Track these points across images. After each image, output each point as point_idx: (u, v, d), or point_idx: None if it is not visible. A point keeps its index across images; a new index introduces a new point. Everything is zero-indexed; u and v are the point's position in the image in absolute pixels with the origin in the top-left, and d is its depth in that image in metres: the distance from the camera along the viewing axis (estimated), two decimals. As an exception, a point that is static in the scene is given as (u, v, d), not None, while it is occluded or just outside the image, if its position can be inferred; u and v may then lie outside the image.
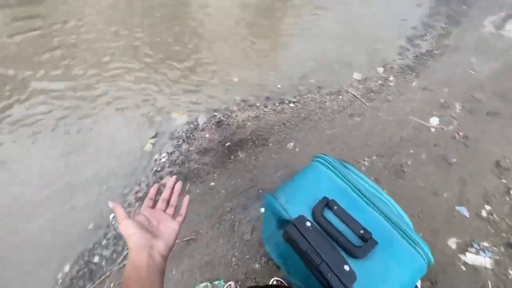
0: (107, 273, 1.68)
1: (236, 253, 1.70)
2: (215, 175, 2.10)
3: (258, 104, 2.58)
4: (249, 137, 2.32)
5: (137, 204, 2.01)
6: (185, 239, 1.76)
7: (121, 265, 1.71)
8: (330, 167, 0.92)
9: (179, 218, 0.63)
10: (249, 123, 2.42)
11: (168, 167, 2.20)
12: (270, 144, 2.23)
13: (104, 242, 1.83)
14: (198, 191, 2.02)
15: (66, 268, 1.76)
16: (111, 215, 1.97)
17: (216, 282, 1.57)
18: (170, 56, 3.07)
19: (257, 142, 2.28)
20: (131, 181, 2.12)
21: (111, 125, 2.45)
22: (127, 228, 0.53)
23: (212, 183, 2.05)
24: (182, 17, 3.65)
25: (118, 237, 1.85)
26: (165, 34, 3.37)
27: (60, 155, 2.25)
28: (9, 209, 1.97)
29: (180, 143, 2.35)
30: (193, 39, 3.29)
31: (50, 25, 3.46)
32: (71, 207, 2.00)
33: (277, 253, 1.17)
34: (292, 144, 2.22)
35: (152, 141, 2.36)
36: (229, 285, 1.54)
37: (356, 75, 2.79)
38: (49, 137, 2.36)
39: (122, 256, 1.75)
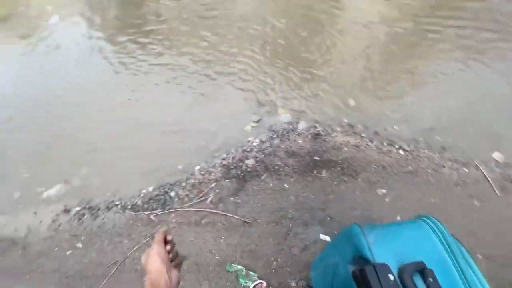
0: (175, 209, 1.96)
1: (279, 260, 1.69)
2: (292, 179, 2.12)
3: (363, 135, 2.44)
4: (340, 162, 2.23)
5: (219, 168, 2.23)
6: (243, 219, 1.87)
7: (187, 209, 1.95)
8: (440, 235, 0.80)
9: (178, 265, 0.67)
10: (346, 149, 2.32)
11: (256, 152, 2.35)
12: (359, 180, 2.08)
13: (183, 184, 2.13)
14: (271, 185, 2.09)
15: (150, 189, 2.14)
16: (197, 167, 2.26)
17: (251, 273, 1.61)
18: (296, 58, 3.22)
19: (345, 170, 2.17)
20: (223, 148, 2.37)
21: (228, 98, 2.79)
22: (160, 250, 0.59)
23: (286, 185, 2.08)
24: (320, 25, 3.75)
25: (194, 186, 2.11)
26: (300, 37, 3.55)
27: (185, 104, 2.73)
28: (138, 129, 2.53)
29: (274, 136, 2.47)
30: (323, 50, 3.35)
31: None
32: (175, 143, 2.40)
33: (327, 284, 1.11)
34: (384, 191, 2.01)
35: (253, 124, 2.56)
36: (261, 282, 1.55)
37: (497, 155, 2.27)
38: (180, 91, 2.89)
39: (190, 203, 1.99)
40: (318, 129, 2.48)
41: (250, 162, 2.27)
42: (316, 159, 2.24)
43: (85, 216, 1.97)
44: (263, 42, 3.47)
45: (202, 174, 2.21)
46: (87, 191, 2.11)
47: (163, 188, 2.11)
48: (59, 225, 1.94)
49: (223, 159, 2.31)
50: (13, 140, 2.52)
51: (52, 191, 2.13)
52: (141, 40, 3.52)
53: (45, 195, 2.12)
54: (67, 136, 2.51)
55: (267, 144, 2.40)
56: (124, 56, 3.31)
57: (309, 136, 2.43)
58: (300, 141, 2.39)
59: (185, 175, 2.20)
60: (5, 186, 2.21)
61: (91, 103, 2.79)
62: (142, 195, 2.08)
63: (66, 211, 2.01)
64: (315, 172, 2.14)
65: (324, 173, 2.14)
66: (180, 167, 2.26)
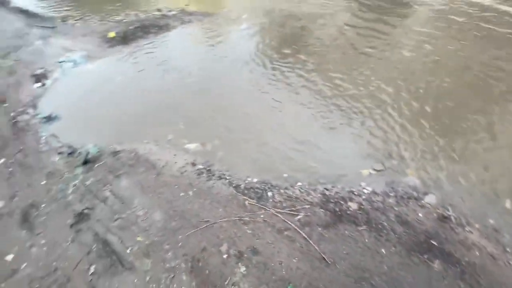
0: (267, 208, 2.10)
1: (343, 318, 1.52)
2: (393, 248, 1.86)
3: (509, 249, 1.86)
4: (463, 263, 1.78)
5: (319, 195, 2.22)
6: (323, 255, 1.79)
7: (275, 214, 2.05)
8: None
9: None
10: (477, 253, 1.83)
11: (363, 199, 2.20)
12: (483, 298, 1.60)
13: (282, 191, 2.25)
14: (366, 240, 1.90)
15: (254, 180, 2.36)
16: (299, 183, 2.33)
17: (309, 309, 1.53)
18: (449, 126, 2.81)
19: (467, 276, 1.71)
20: (331, 179, 2.35)
21: (358, 137, 2.75)
22: None
23: (383, 251, 1.84)
24: (500, 99, 3.08)
25: (290, 198, 2.19)
26: (464, 104, 3.08)
27: (316, 126, 2.88)
28: (269, 131, 2.86)
29: (391, 194, 2.23)
30: (489, 128, 2.78)
31: (388, 33, 4.18)
32: (292, 153, 2.57)
33: None
34: (516, 333, 1.47)
35: (373, 172, 2.41)
36: (315, 326, 1.45)
37: None
38: (314, 115, 3.06)
39: (281, 210, 2.08)
40: (449, 213, 2.07)
41: (353, 206, 2.15)
42: (432, 243, 1.88)
43: (203, 175, 2.39)
44: (415, 96, 3.21)
45: (301, 192, 2.26)
46: (212, 157, 2.56)
47: (264, 185, 2.30)
48: (185, 171, 2.45)
49: (326, 189, 2.28)
50: (186, 100, 3.35)
51: (191, 146, 2.71)
52: (298, 57, 3.95)
53: (186, 146, 2.72)
54: (218, 113, 3.11)
55: (380, 198, 2.21)
56: (277, 69, 3.79)
57: (435, 214, 2.06)
58: (421, 215, 2.07)
59: (286, 184, 2.32)
60: (166, 128, 2.97)
61: (244, 97, 3.34)
62: (246, 181, 2.34)
63: (193, 164, 2.51)
64: (425, 256, 1.80)
65: (436, 264, 1.76)
66: (285, 175, 2.39)
